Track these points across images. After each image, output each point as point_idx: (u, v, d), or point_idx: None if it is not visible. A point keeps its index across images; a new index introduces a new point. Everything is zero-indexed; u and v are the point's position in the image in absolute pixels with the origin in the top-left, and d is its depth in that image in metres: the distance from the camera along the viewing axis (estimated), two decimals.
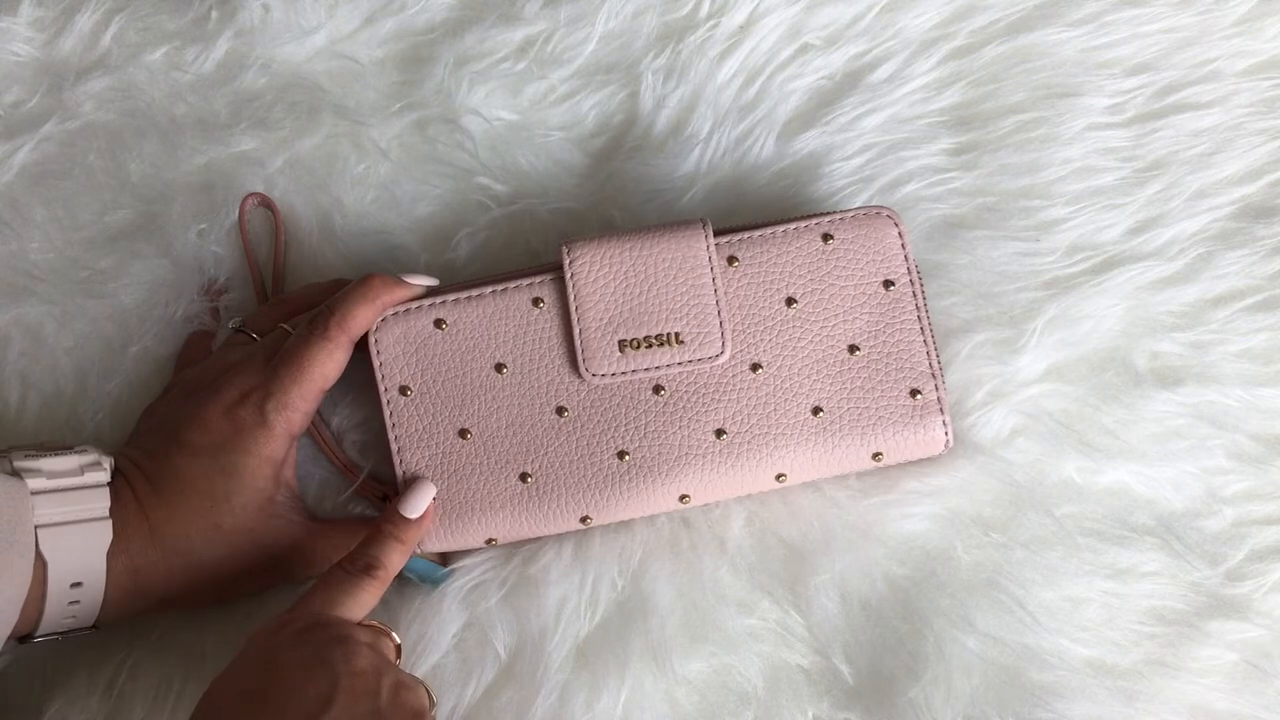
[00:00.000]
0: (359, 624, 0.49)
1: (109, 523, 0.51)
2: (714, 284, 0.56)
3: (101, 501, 0.52)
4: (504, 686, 0.54)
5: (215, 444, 0.53)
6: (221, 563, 0.53)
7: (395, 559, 0.52)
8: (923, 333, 0.57)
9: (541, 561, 0.57)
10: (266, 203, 0.63)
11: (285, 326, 0.57)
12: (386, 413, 0.56)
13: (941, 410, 0.56)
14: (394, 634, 0.51)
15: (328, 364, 0.55)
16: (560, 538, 0.57)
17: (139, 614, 0.54)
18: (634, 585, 0.56)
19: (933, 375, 0.56)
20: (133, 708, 0.54)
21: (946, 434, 0.56)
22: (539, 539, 0.57)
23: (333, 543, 0.56)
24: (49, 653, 0.56)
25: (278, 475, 0.55)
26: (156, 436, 0.55)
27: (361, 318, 0.55)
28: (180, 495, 0.53)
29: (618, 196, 0.64)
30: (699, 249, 0.56)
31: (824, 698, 0.54)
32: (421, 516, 0.54)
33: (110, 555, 0.51)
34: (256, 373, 0.55)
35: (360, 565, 0.50)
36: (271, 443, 0.54)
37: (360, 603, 0.50)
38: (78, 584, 0.50)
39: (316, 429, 0.59)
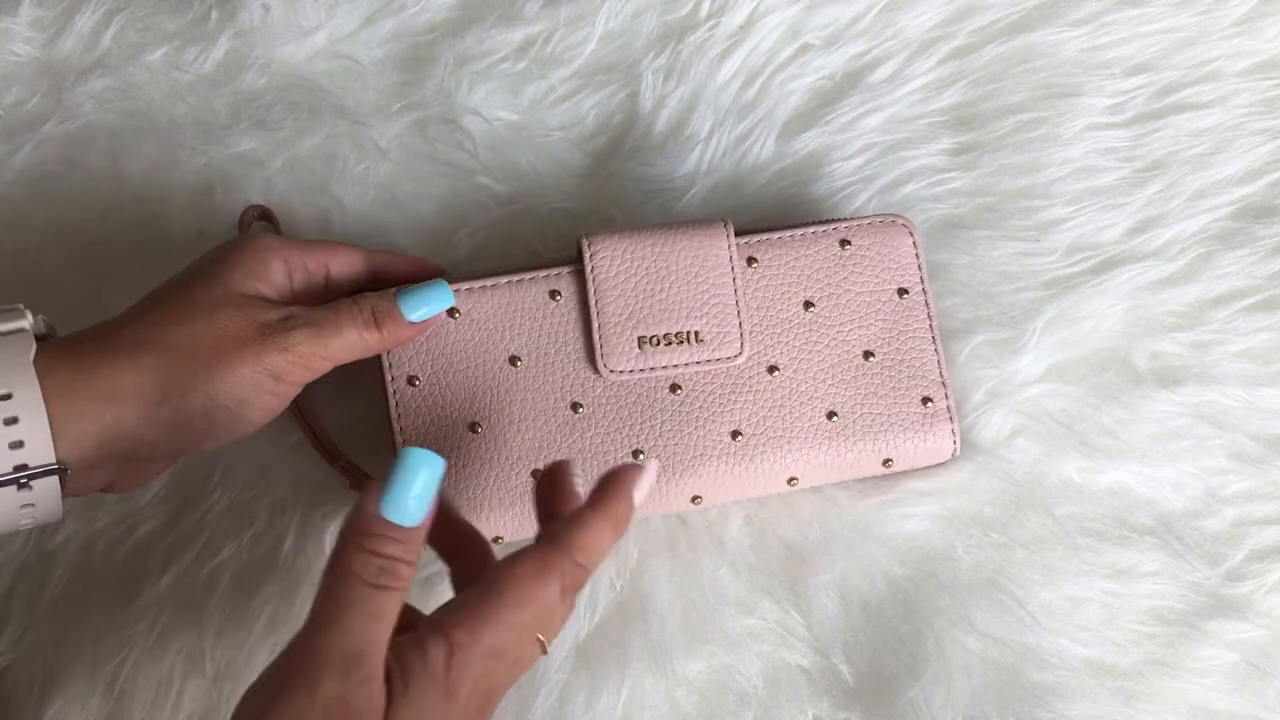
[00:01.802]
0: (395, 639, 0.40)
1: (29, 335, 0.45)
2: (734, 284, 0.56)
3: (19, 319, 0.46)
4: None
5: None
6: (194, 353, 0.47)
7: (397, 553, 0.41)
8: (934, 341, 0.57)
9: None
10: (266, 214, 0.62)
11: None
12: (391, 403, 0.55)
13: (951, 419, 0.56)
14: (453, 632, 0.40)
15: (347, 343, 0.50)
16: None
17: (116, 457, 0.46)
18: (633, 585, 0.56)
19: (943, 384, 0.56)
20: (133, 708, 0.54)
21: (955, 442, 0.56)
22: None
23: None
24: (49, 652, 0.56)
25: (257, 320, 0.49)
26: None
27: (403, 334, 0.52)
28: (151, 298, 0.49)
29: (618, 196, 0.64)
30: (720, 248, 0.56)
31: (824, 698, 0.54)
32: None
33: (43, 361, 0.44)
34: (276, 308, 0.50)
35: (373, 570, 0.40)
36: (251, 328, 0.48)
37: (389, 618, 0.40)
38: (6, 396, 0.43)
39: (301, 412, 0.57)
